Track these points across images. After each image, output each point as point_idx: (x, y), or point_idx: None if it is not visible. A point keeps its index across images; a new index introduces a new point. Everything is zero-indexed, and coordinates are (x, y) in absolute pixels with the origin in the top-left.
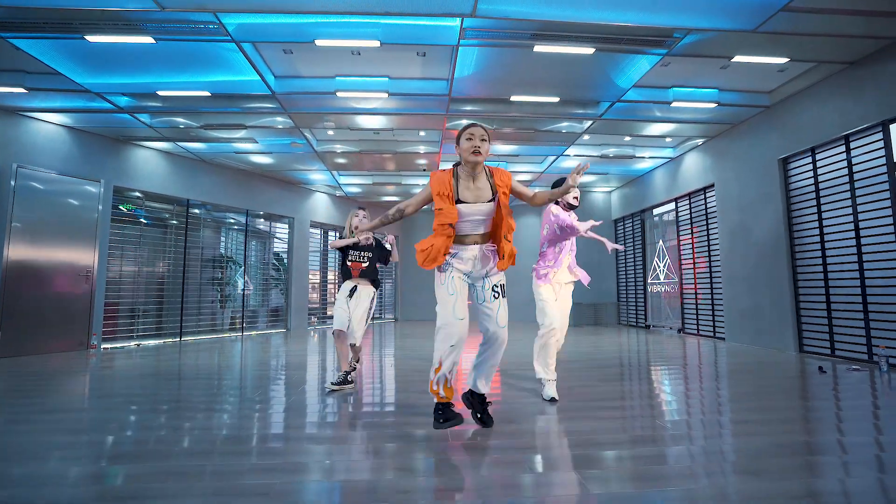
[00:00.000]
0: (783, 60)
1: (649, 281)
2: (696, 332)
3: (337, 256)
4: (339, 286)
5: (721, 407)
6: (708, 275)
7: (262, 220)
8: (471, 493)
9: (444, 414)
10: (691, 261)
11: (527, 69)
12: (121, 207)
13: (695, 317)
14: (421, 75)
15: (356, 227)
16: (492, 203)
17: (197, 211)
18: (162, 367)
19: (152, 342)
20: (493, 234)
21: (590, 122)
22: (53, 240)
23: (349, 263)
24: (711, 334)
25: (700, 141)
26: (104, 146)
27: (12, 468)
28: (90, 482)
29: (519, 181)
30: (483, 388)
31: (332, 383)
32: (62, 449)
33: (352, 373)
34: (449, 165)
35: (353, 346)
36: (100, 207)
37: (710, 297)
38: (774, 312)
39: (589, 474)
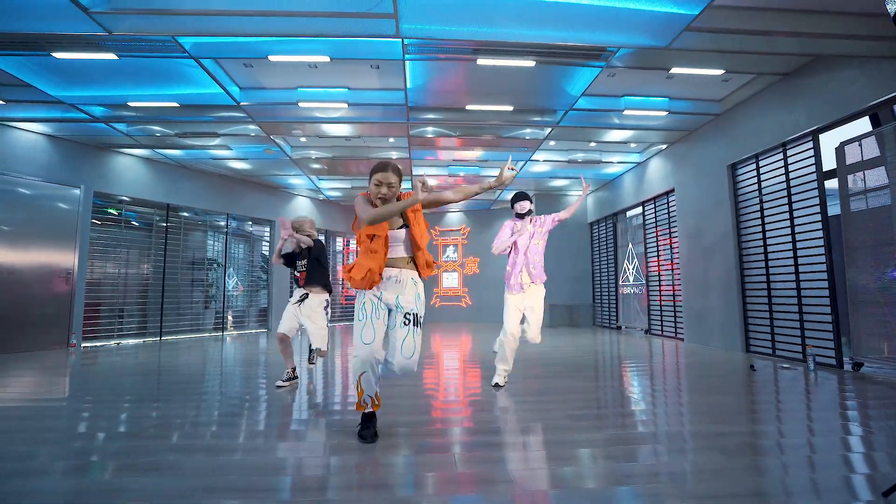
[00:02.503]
0: (720, 72)
1: (621, 283)
2: (660, 332)
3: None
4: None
5: (657, 400)
6: (671, 277)
7: (249, 222)
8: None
9: (362, 426)
10: (656, 263)
11: (476, 80)
12: (110, 211)
13: (659, 318)
14: (378, 86)
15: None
16: (403, 230)
17: (186, 214)
18: (137, 364)
19: (133, 341)
20: (414, 258)
21: (549, 129)
22: (35, 243)
23: (297, 274)
24: (673, 335)
25: (663, 146)
26: (84, 153)
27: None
28: (70, 476)
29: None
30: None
31: (282, 380)
32: (44, 443)
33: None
34: (420, 172)
35: (319, 350)
36: (80, 211)
37: (672, 299)
38: (725, 314)
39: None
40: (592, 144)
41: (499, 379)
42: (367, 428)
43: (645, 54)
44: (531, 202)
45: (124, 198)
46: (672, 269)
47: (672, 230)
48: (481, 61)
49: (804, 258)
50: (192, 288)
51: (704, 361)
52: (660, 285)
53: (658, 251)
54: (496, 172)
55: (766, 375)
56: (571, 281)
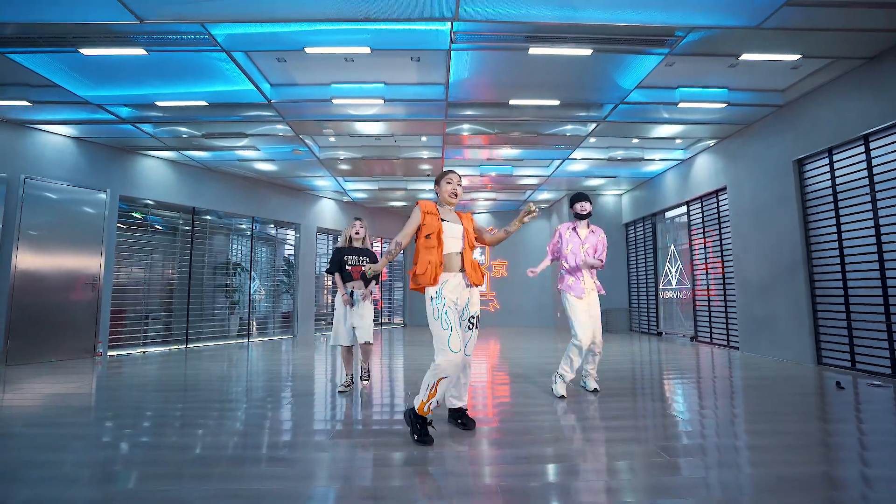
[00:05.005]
0: (795, 57)
1: (661, 286)
2: (709, 340)
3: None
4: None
5: (732, 428)
6: (721, 281)
7: (271, 225)
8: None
9: (423, 430)
10: (704, 266)
11: (524, 72)
12: (133, 215)
13: (708, 324)
14: (417, 80)
15: (355, 236)
16: (462, 228)
17: (209, 217)
18: (164, 377)
19: (158, 349)
20: (467, 260)
21: (594, 125)
22: (61, 249)
23: (349, 267)
24: (725, 343)
25: (711, 142)
26: (110, 156)
27: (31, 471)
28: (102, 483)
29: (482, 227)
30: (460, 403)
31: (341, 385)
32: (75, 452)
33: (365, 379)
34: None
35: (367, 344)
36: (106, 215)
37: (723, 303)
38: (791, 322)
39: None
40: (635, 141)
41: (562, 390)
42: (428, 434)
43: (715, 38)
44: (591, 203)
45: (149, 201)
46: (723, 272)
47: (723, 231)
48: (533, 50)
49: (892, 261)
50: (217, 294)
51: (778, 376)
52: (708, 289)
53: (706, 253)
54: (531, 172)
55: (857, 394)
56: (606, 284)
